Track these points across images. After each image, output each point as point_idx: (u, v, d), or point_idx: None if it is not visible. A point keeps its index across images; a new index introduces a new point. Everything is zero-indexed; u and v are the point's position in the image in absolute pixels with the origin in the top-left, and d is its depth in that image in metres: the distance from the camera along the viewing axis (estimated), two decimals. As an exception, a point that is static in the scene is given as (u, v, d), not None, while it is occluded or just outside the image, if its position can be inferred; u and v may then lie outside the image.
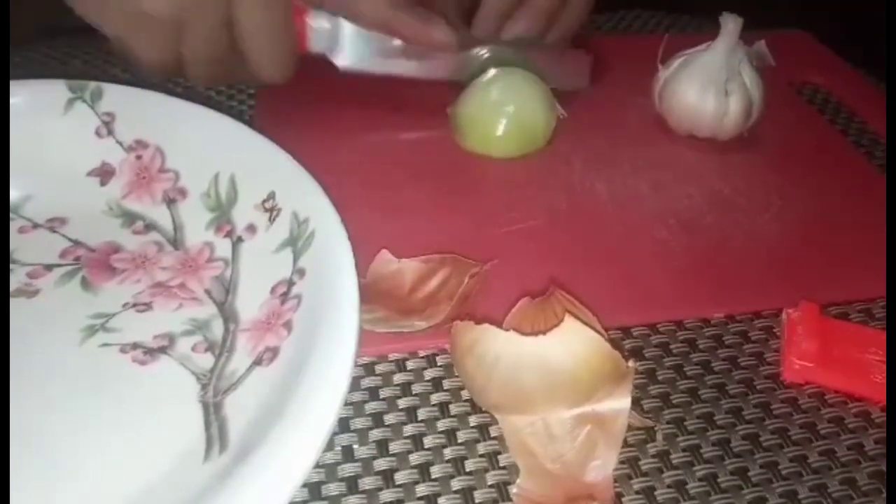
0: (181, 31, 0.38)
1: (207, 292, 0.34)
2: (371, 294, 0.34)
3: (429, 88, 0.45)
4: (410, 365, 0.34)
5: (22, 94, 0.37)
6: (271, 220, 0.34)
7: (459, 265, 0.36)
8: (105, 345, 0.32)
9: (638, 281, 0.38)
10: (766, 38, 0.46)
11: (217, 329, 0.33)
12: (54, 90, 0.38)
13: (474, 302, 0.35)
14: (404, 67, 0.44)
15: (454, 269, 0.36)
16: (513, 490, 0.29)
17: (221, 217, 0.36)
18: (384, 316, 0.34)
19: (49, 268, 0.35)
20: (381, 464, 0.30)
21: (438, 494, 0.29)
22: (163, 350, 0.32)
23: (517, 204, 0.42)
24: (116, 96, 0.38)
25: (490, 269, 0.36)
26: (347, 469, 0.30)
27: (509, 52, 0.45)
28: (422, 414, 0.32)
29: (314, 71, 0.50)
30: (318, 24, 0.42)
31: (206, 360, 0.32)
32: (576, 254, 0.39)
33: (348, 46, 0.43)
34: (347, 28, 0.42)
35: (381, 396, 0.32)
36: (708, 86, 0.45)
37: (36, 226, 0.36)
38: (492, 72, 0.44)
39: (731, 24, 0.44)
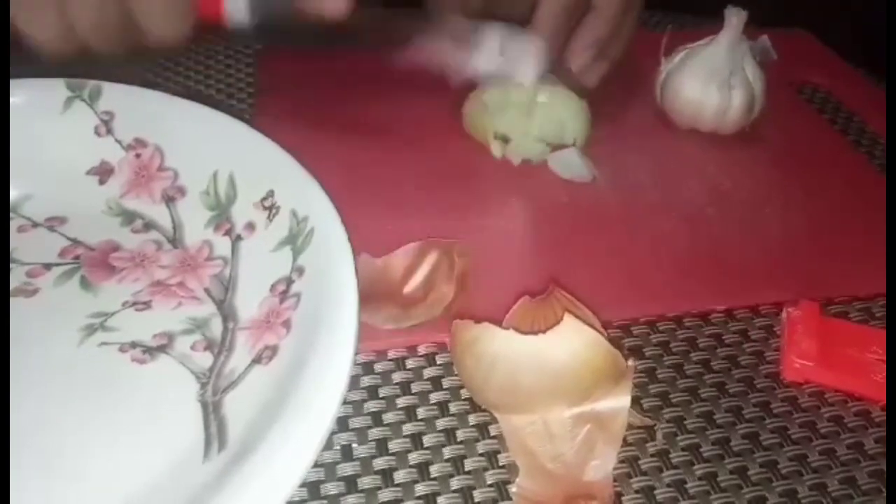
0: (65, 2, 0.36)
1: (206, 291, 0.34)
2: (368, 297, 0.34)
3: (430, 87, 0.45)
4: (410, 363, 0.34)
5: (21, 94, 0.37)
6: (270, 218, 0.34)
7: (444, 247, 0.36)
8: (104, 344, 0.32)
9: (638, 275, 0.38)
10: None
11: (216, 328, 0.33)
12: (53, 89, 0.38)
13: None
14: (325, 39, 0.42)
15: (441, 252, 0.35)
16: (512, 489, 0.29)
17: (220, 215, 0.36)
18: (391, 314, 0.34)
19: (48, 267, 0.35)
20: (380, 463, 0.30)
21: (437, 493, 0.29)
22: (162, 349, 0.32)
23: (517, 198, 0.42)
24: (115, 95, 0.38)
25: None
26: (346, 468, 0.30)
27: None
28: (421, 413, 0.32)
29: (313, 70, 0.50)
30: None
31: (205, 359, 0.31)
32: (576, 248, 0.39)
33: (268, 21, 0.40)
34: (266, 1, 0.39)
35: (381, 395, 0.32)
36: (711, 79, 0.45)
37: (35, 225, 0.36)
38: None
39: (734, 18, 0.44)
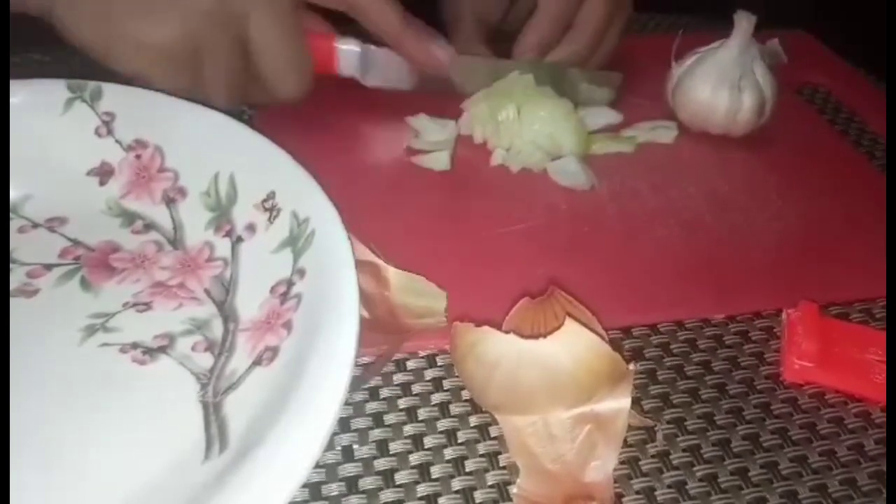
0: (199, 59, 0.38)
1: (207, 292, 0.34)
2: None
3: (432, 91, 0.46)
4: (411, 365, 0.34)
5: (22, 94, 0.37)
6: (271, 219, 0.34)
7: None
8: (105, 345, 0.32)
9: (637, 281, 0.38)
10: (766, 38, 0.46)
11: (217, 329, 0.33)
12: (54, 90, 0.38)
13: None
14: (433, 85, 0.46)
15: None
16: (513, 490, 0.29)
17: (221, 217, 0.36)
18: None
19: (48, 267, 0.35)
20: (381, 464, 0.30)
21: (439, 494, 0.29)
22: (162, 350, 0.32)
23: (517, 204, 0.42)
24: (116, 96, 0.38)
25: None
26: (348, 469, 0.30)
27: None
28: (422, 414, 0.32)
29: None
30: (346, 48, 0.44)
31: (205, 360, 0.31)
32: (575, 254, 0.39)
33: (377, 69, 0.45)
34: (376, 52, 0.44)
35: (382, 396, 0.32)
36: (722, 82, 0.45)
37: (35, 225, 0.36)
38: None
39: (744, 22, 0.45)
